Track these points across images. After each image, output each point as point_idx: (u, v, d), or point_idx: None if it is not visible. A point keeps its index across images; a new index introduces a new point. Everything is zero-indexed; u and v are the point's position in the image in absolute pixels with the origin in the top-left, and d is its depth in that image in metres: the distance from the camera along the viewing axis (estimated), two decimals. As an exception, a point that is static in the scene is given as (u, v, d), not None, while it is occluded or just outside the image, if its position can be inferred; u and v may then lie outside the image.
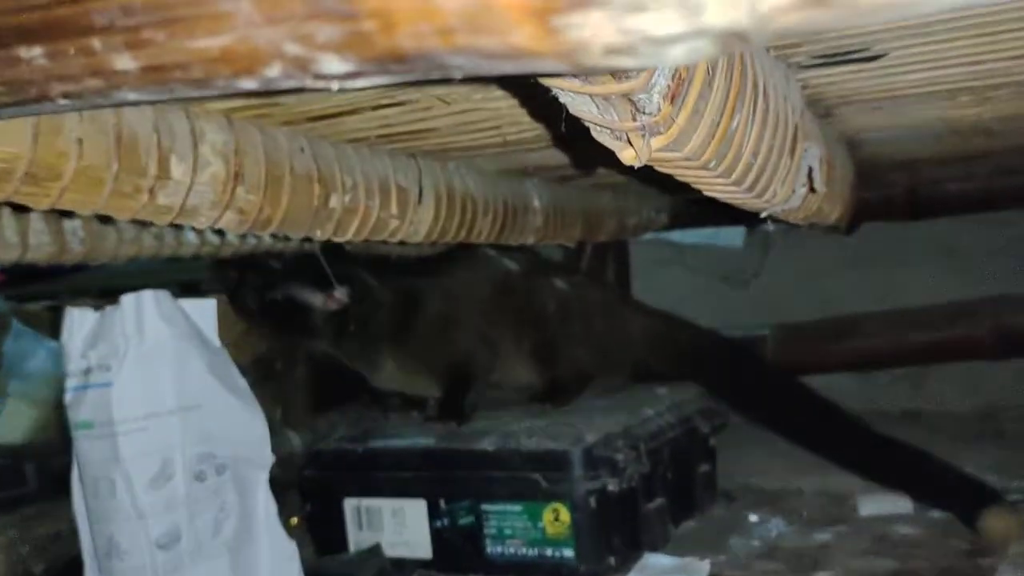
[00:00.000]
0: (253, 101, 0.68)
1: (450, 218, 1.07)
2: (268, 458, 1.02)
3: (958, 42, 0.66)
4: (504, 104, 0.75)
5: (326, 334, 1.31)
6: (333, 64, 0.33)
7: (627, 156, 0.39)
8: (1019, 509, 1.14)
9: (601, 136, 0.39)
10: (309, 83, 0.36)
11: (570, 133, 0.42)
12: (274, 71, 0.33)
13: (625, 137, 0.39)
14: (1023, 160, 1.68)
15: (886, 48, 0.66)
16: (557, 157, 1.13)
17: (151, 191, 0.63)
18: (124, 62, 0.34)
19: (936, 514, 1.24)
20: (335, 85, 0.36)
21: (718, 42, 0.26)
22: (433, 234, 1.05)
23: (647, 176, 1.22)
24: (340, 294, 1.28)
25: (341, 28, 0.30)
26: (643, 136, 0.38)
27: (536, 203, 1.34)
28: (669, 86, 0.36)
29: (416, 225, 1.00)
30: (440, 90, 0.68)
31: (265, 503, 1.01)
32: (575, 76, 0.33)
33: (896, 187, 1.82)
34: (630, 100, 0.34)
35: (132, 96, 0.37)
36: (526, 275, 1.46)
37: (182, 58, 0.33)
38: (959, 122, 1.09)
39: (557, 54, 0.27)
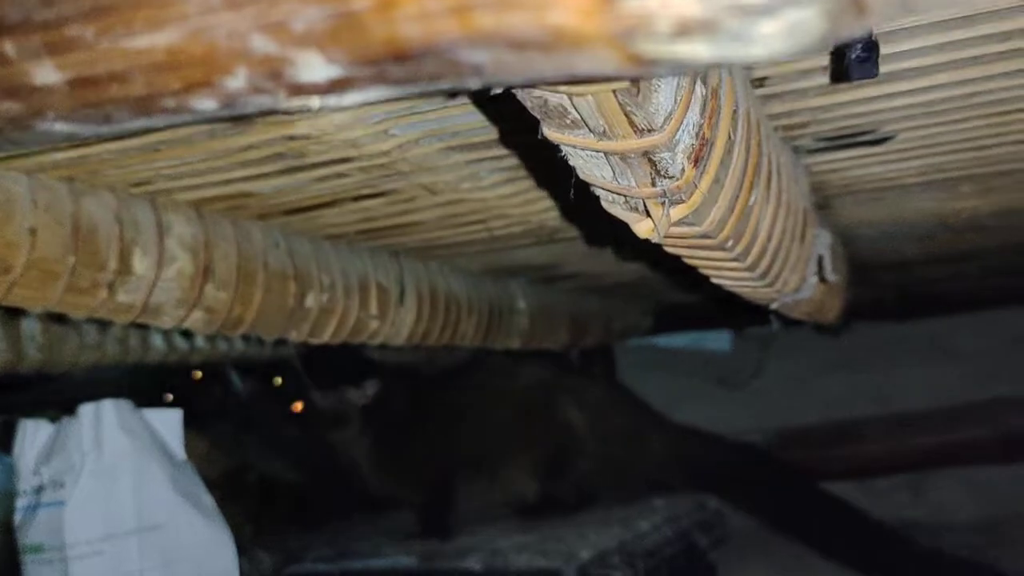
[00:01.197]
0: (226, 191, 0.63)
1: (433, 319, 1.02)
2: (235, 582, 0.93)
3: (968, 123, 0.63)
4: (491, 195, 0.71)
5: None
6: (314, 67, 0.25)
7: (643, 228, 0.35)
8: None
9: (613, 207, 0.35)
10: (283, 101, 0.27)
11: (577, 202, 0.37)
12: (238, 81, 0.26)
13: (642, 206, 0.34)
14: (1013, 260, 1.67)
15: (894, 130, 0.63)
16: (543, 256, 1.09)
17: (111, 287, 0.58)
18: (46, 74, 0.27)
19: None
20: (316, 102, 0.27)
21: (828, 16, 0.20)
22: (416, 336, 1.00)
23: (641, 267, 1.18)
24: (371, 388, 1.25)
25: (324, 10, 0.23)
26: (663, 204, 0.33)
27: (522, 304, 1.29)
28: (693, 145, 0.31)
29: (398, 327, 0.95)
30: (426, 178, 0.64)
31: (232, 633, 0.92)
32: (591, 131, 0.28)
33: (886, 286, 1.79)
34: (650, 160, 0.30)
35: (60, 128, 0.30)
36: (547, 386, 1.40)
37: (118, 65, 0.26)
38: (955, 217, 1.06)
39: (610, 37, 0.21)
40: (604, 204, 0.35)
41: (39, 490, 0.85)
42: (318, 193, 0.67)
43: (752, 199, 0.44)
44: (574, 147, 0.29)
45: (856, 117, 0.59)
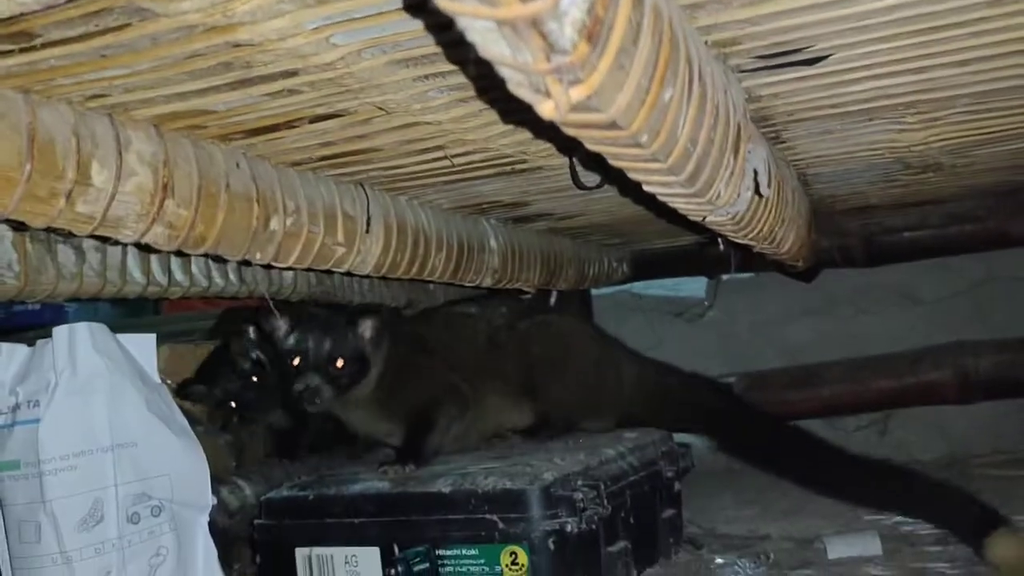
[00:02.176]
0: (182, 107, 0.65)
1: (401, 251, 1.05)
2: (209, 500, 0.97)
3: (900, 41, 0.66)
4: (445, 118, 0.74)
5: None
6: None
7: (546, 109, 0.37)
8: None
9: (519, 89, 0.38)
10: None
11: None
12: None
13: (543, 85, 0.37)
14: (973, 207, 1.71)
15: (827, 48, 0.66)
16: (509, 190, 1.12)
17: (69, 196, 0.60)
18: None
19: (906, 555, 1.21)
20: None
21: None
22: (383, 266, 1.03)
23: (609, 205, 1.21)
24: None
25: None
26: (561, 82, 0.36)
27: (493, 243, 1.32)
28: (584, 22, 0.34)
29: (364, 256, 0.97)
30: (377, 96, 0.66)
31: (204, 547, 0.96)
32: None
33: (852, 235, 1.83)
34: (540, 32, 0.33)
35: None
36: (515, 322, 1.45)
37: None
38: (909, 153, 1.09)
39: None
40: (510, 87, 0.38)
41: (15, 409, 0.88)
42: (273, 112, 0.69)
43: (667, 95, 0.47)
44: (468, 19, 0.32)
45: (786, 32, 0.62)
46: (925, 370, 1.76)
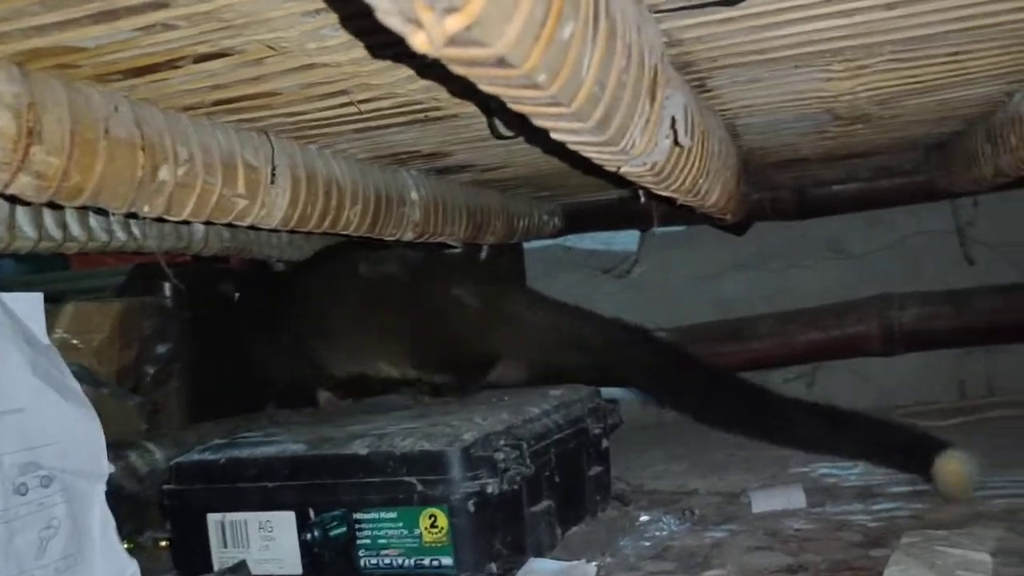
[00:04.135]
0: (44, 43, 0.59)
1: (311, 203, 0.99)
2: (104, 469, 0.91)
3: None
4: (344, 59, 0.68)
5: None
6: None
7: (418, 41, 0.33)
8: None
9: (389, 18, 0.33)
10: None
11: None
12: None
13: (414, 15, 0.32)
14: (901, 160, 1.71)
15: (747, -12, 0.62)
16: (427, 140, 1.07)
17: (-86, 140, 0.54)
18: None
19: (829, 508, 1.21)
20: None
21: None
22: (292, 220, 0.97)
23: (533, 158, 1.16)
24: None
25: None
26: (433, 8, 0.31)
27: (414, 195, 1.27)
28: (454, -63, 0.29)
29: (269, 208, 0.92)
30: (264, 33, 0.61)
31: (101, 518, 0.90)
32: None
33: (784, 187, 1.83)
34: (402, -54, 0.28)
35: None
36: (396, 272, 1.41)
37: None
38: (836, 102, 1.07)
39: None
40: (379, 15, 0.33)
41: None
42: (150, 50, 0.63)
43: (567, 30, 0.42)
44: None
45: (704, -31, 0.58)
46: (851, 323, 1.77)
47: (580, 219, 1.96)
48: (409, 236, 1.29)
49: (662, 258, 2.05)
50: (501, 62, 0.38)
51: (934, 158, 1.63)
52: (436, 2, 0.31)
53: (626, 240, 2.11)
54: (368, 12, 0.33)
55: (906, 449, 1.22)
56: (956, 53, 0.85)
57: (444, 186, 1.36)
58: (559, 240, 2.08)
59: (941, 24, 0.74)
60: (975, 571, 0.91)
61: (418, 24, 0.32)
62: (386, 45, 0.61)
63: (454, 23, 0.33)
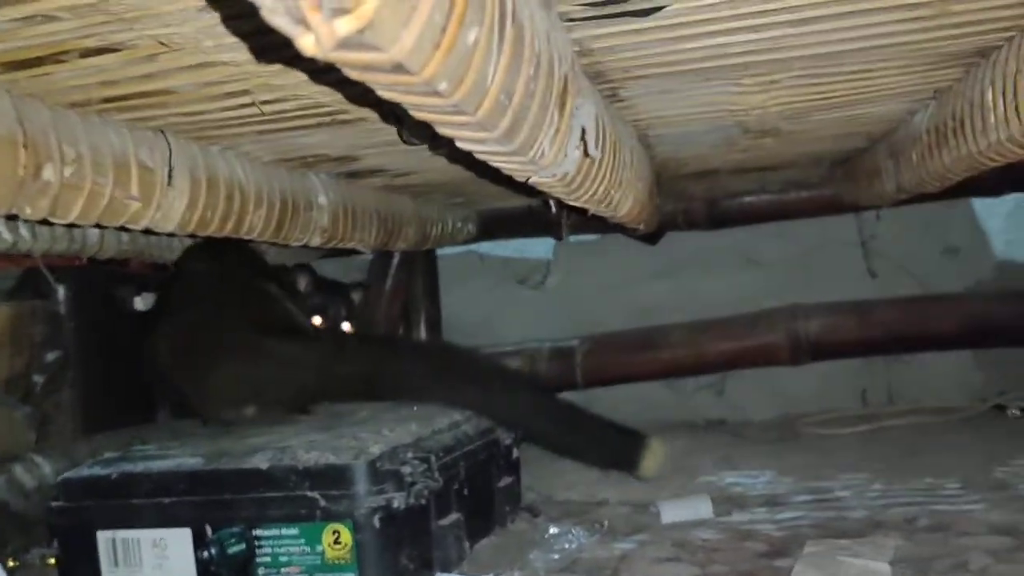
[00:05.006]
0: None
1: (211, 207, 0.95)
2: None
3: (735, -2, 0.62)
4: (243, 58, 0.65)
5: None
6: None
7: (306, 44, 0.30)
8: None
9: (274, 17, 0.30)
10: None
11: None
12: None
13: (301, 16, 0.30)
14: (810, 174, 1.75)
15: (660, 0, 0.61)
16: (336, 143, 1.04)
17: None
18: None
19: (736, 517, 1.22)
20: None
21: None
22: (190, 223, 0.93)
23: (448, 166, 1.14)
24: None
25: None
26: (320, 9, 0.29)
27: (322, 199, 1.23)
28: (343, -67, 0.27)
29: (166, 211, 0.87)
30: (157, 28, 0.57)
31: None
32: None
33: (696, 198, 1.85)
34: (284, -59, 0.26)
35: None
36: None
37: None
38: (747, 115, 1.08)
39: None
40: (264, 14, 0.31)
41: None
42: (32, 42, 0.59)
43: (471, 36, 0.40)
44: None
45: (617, -20, 0.57)
46: (761, 333, 1.80)
47: (495, 226, 1.95)
48: (317, 241, 1.25)
49: (576, 267, 2.05)
50: (399, 68, 0.36)
51: (840, 172, 1.67)
52: (325, 2, 0.29)
53: (541, 248, 2.11)
54: (253, 11, 0.31)
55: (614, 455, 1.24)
56: (862, 71, 0.86)
57: (354, 191, 1.33)
58: (473, 247, 2.07)
59: (848, 42, 0.75)
60: (875, 581, 0.93)
61: (306, 25, 0.30)
62: (273, 47, 0.58)
63: (345, 26, 0.30)
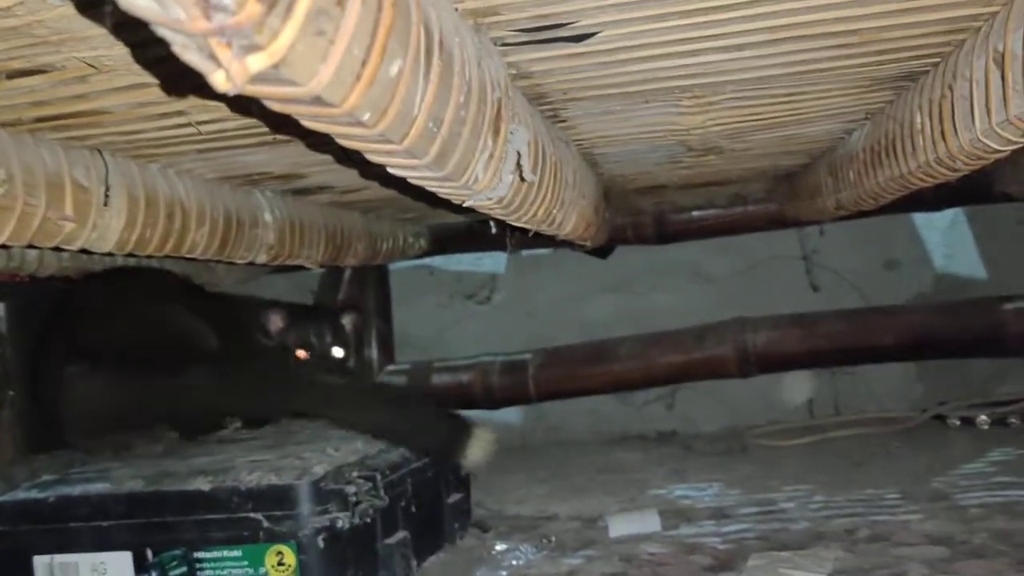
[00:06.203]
0: None
1: (150, 226, 0.94)
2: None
3: (670, 22, 0.63)
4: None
5: None
6: None
7: (218, 80, 0.31)
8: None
9: (187, 53, 0.30)
10: None
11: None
12: None
13: (212, 53, 0.30)
14: (755, 190, 1.77)
15: (593, 25, 0.62)
16: (279, 161, 1.03)
17: None
18: None
19: (683, 530, 1.23)
20: None
21: None
22: (128, 243, 0.91)
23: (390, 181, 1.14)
24: None
25: None
26: (230, 46, 0.29)
27: (268, 217, 1.22)
28: (251, -26, 0.27)
29: (102, 231, 0.86)
30: (85, 51, 0.57)
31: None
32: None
33: (644, 213, 1.86)
34: (190, -18, 0.26)
35: None
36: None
37: None
38: (688, 135, 1.09)
39: None
40: (176, 50, 0.31)
41: None
42: (-44, 62, 0.58)
43: (394, 68, 0.41)
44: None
45: (547, 5, 0.57)
46: (709, 346, 1.82)
47: (447, 241, 1.95)
48: (263, 258, 1.24)
49: (529, 281, 2.06)
50: (318, 100, 0.36)
51: (782, 188, 1.70)
52: (235, 39, 0.29)
53: (493, 262, 2.11)
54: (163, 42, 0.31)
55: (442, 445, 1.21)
56: (794, 94, 0.88)
57: (301, 207, 1.32)
58: (426, 261, 2.06)
59: (778, 67, 0.77)
60: (814, 594, 0.94)
61: (217, 62, 0.30)
62: (181, 75, 0.57)
63: (258, 63, 0.30)
